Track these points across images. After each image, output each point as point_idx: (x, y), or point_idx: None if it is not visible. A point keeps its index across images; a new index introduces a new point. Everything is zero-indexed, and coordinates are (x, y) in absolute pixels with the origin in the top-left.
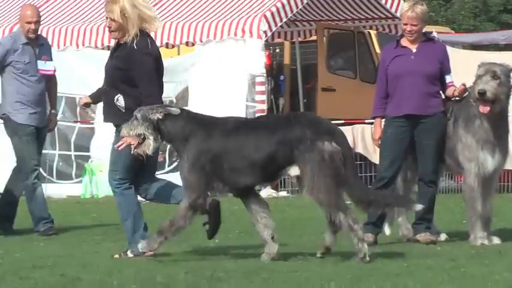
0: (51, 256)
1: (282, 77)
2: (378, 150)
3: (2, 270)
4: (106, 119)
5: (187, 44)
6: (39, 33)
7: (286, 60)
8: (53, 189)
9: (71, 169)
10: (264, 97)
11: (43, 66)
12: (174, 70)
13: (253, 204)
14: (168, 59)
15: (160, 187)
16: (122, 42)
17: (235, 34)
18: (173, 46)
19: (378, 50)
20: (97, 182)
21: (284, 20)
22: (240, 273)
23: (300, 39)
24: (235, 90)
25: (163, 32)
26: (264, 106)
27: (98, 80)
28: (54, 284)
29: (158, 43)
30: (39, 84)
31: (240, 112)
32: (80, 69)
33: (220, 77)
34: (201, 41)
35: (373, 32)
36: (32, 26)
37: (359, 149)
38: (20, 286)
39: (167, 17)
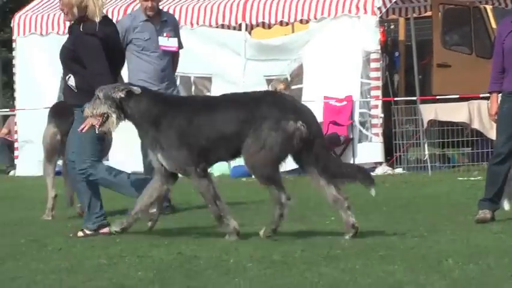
0: (168, 235)
1: (396, 54)
2: (494, 125)
3: (120, 249)
4: (65, 100)
5: (301, 21)
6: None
7: (401, 36)
8: None
9: None
10: (378, 74)
11: (165, 42)
12: (288, 48)
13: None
14: (282, 37)
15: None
16: (74, 25)
17: (350, 11)
18: (287, 24)
19: (494, 25)
20: None
21: None
22: (356, 250)
23: (414, 15)
24: (350, 67)
25: (277, 10)
26: (379, 83)
27: (212, 59)
28: (171, 262)
29: (273, 21)
30: (160, 60)
31: (355, 89)
32: (194, 48)
33: (334, 54)
34: (316, 18)
35: (489, 7)
36: (149, 4)
37: (475, 125)
38: (138, 265)
39: None
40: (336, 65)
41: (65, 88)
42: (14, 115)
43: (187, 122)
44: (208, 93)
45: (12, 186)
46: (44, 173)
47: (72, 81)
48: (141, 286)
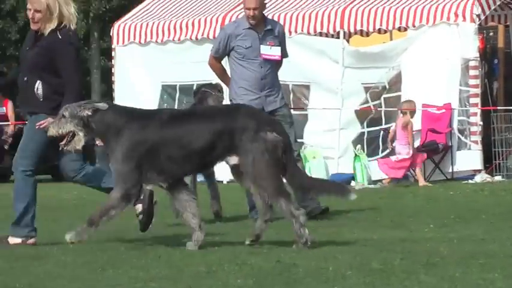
0: (266, 243)
1: (496, 61)
2: None
3: (219, 256)
4: (23, 107)
5: (399, 29)
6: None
7: (500, 43)
8: None
9: None
10: (477, 81)
11: (267, 51)
12: (387, 55)
13: (181, 193)
14: (381, 45)
15: (93, 171)
16: (44, 33)
17: (448, 18)
18: (385, 31)
19: None
20: (310, 168)
21: (498, 3)
22: (456, 258)
23: None
24: (448, 75)
25: (375, 18)
26: (478, 90)
27: (310, 67)
28: (270, 270)
29: (371, 28)
30: (261, 68)
31: (453, 96)
32: (292, 56)
33: (433, 61)
34: (414, 26)
35: None
36: (251, 13)
37: None
38: (237, 272)
39: (379, 2)
40: (434, 73)
41: (26, 95)
42: None
43: (145, 139)
44: (306, 101)
45: None
46: None
47: (40, 90)
48: None
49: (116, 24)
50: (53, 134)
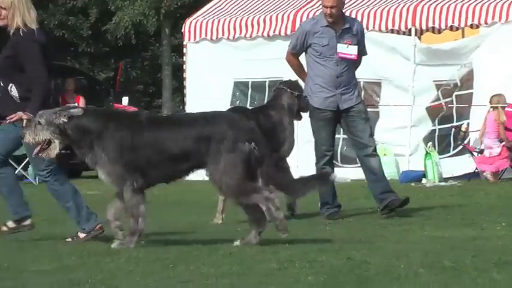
0: (337, 240)
1: None
2: None
3: (289, 254)
4: (3, 112)
5: (471, 26)
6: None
7: None
8: (338, 174)
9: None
10: None
11: (344, 49)
12: (459, 52)
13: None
14: (453, 42)
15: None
16: (11, 33)
17: None
18: (457, 29)
19: None
20: None
21: None
22: None
23: None
24: None
25: (447, 15)
26: None
27: (382, 64)
28: (341, 267)
29: (443, 25)
30: (337, 66)
31: None
32: None
33: (505, 59)
34: (486, 23)
35: None
36: (328, 11)
37: None
38: (308, 269)
39: None
40: (506, 70)
41: (5, 100)
42: None
43: (127, 138)
44: (377, 98)
45: (182, 190)
46: None
47: (14, 92)
48: None
49: (188, 21)
50: (29, 141)
